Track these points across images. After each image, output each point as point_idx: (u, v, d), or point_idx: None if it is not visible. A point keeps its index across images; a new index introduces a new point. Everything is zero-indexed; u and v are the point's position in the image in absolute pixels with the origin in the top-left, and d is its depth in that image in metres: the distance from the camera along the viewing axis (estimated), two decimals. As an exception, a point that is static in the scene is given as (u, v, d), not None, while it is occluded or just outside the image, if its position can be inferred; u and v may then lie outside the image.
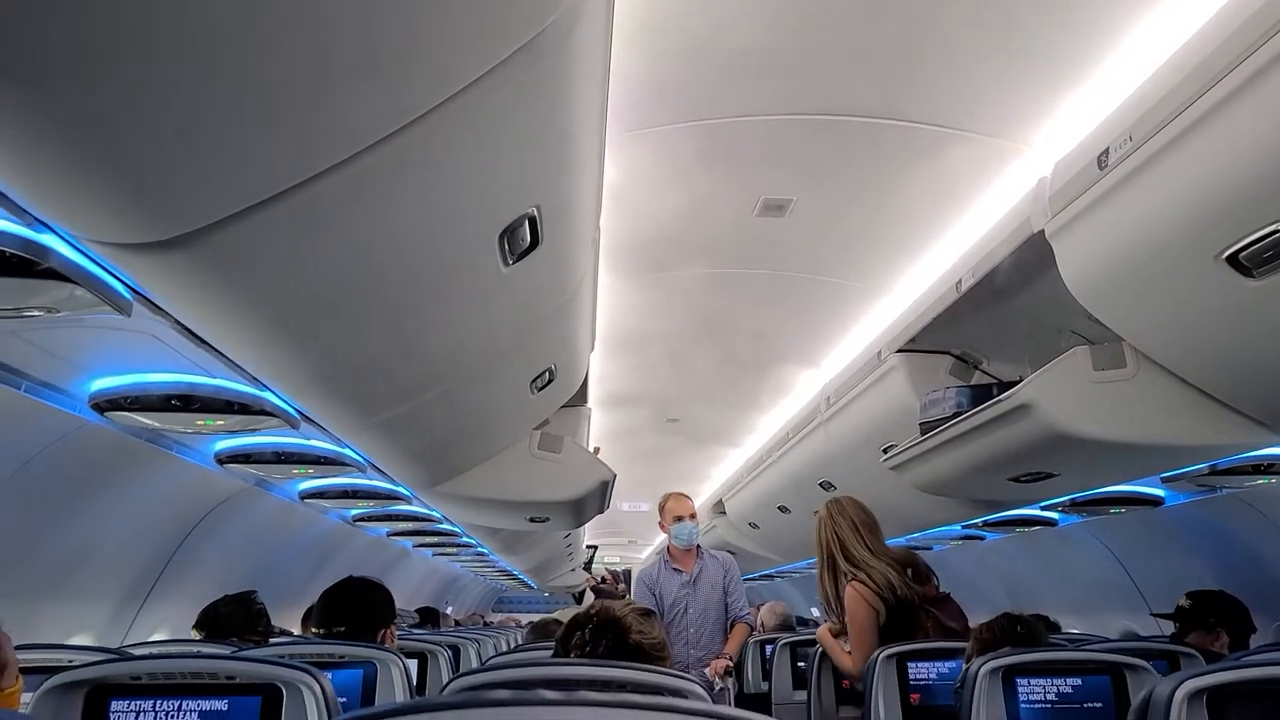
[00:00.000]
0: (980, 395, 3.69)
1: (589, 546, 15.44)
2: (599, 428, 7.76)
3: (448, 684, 1.91)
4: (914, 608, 3.48)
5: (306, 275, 2.02)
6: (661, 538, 5.42)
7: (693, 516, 4.99)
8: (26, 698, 1.99)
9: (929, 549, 7.45)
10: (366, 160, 1.67)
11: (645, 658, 1.89)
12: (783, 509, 7.69)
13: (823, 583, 3.74)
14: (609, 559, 18.67)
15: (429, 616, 7.89)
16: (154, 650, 3.16)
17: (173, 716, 1.96)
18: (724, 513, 9.73)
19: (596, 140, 2.50)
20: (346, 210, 1.82)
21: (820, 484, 6.22)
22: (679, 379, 6.96)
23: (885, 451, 4.72)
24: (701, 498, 10.59)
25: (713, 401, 7.65)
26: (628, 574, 16.00)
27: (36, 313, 2.17)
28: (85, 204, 1.59)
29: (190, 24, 1.24)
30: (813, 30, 2.90)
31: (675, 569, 4.92)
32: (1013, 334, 3.99)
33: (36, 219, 1.73)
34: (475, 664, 4.17)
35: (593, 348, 4.55)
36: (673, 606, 4.84)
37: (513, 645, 5.58)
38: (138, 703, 1.98)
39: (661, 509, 5.08)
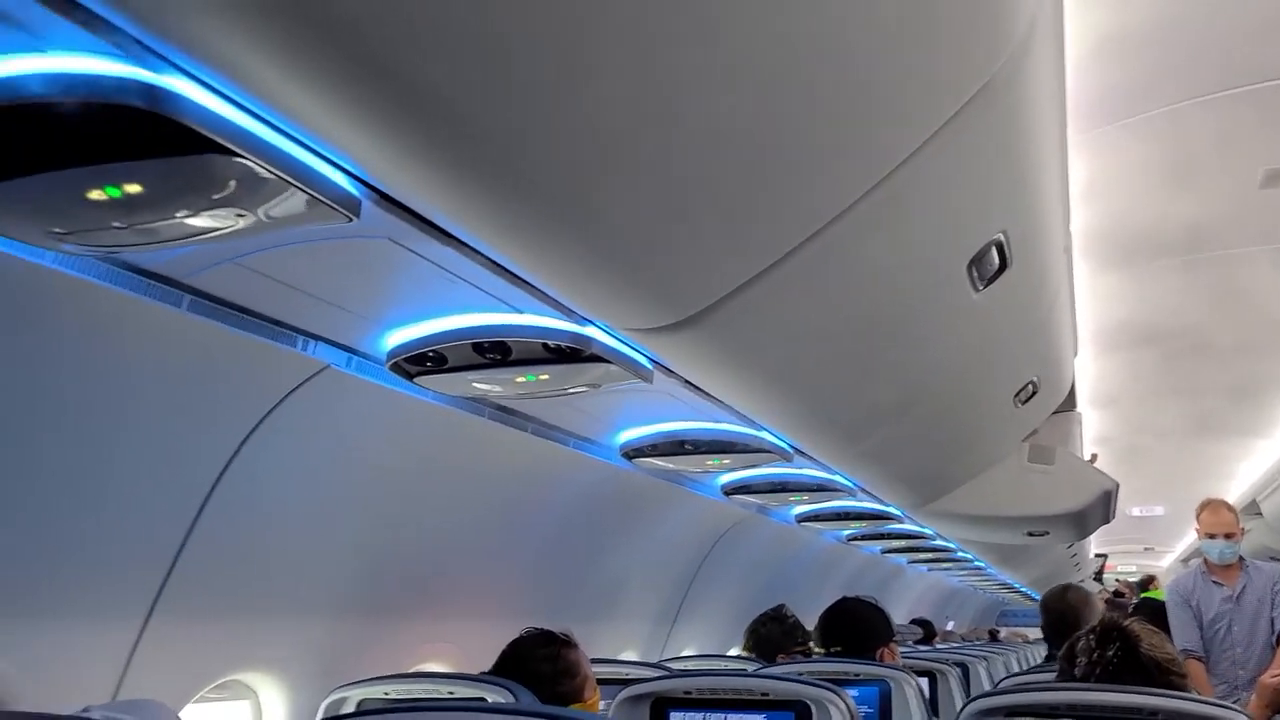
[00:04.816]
0: None
1: (1097, 555, 14.30)
2: (1098, 428, 7.30)
3: (964, 707, 1.97)
4: None
5: (797, 331, 2.23)
6: (1186, 542, 4.95)
7: (1228, 536, 4.39)
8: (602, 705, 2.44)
9: None
10: (848, 218, 1.79)
11: (1161, 673, 1.79)
12: (1339, 507, 6.63)
13: None
14: (1122, 568, 17.14)
15: (922, 626, 7.92)
16: (694, 666, 3.57)
17: (718, 726, 2.26)
18: (1259, 514, 8.53)
19: (1057, 156, 2.45)
20: (829, 268, 1.99)
21: (1385, 477, 5.30)
22: (1184, 370, 6.33)
23: None
24: (1229, 497, 9.40)
25: (1226, 391, 6.82)
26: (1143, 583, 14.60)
27: (581, 389, 2.64)
28: (616, 301, 1.94)
29: (697, 132, 1.44)
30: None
31: (1215, 582, 4.42)
32: None
33: (581, 316, 2.13)
34: (985, 682, 4.14)
35: (1076, 353, 4.34)
36: (1214, 623, 4.37)
37: (1024, 664, 5.42)
38: (690, 714, 2.31)
39: (1197, 516, 4.56)
